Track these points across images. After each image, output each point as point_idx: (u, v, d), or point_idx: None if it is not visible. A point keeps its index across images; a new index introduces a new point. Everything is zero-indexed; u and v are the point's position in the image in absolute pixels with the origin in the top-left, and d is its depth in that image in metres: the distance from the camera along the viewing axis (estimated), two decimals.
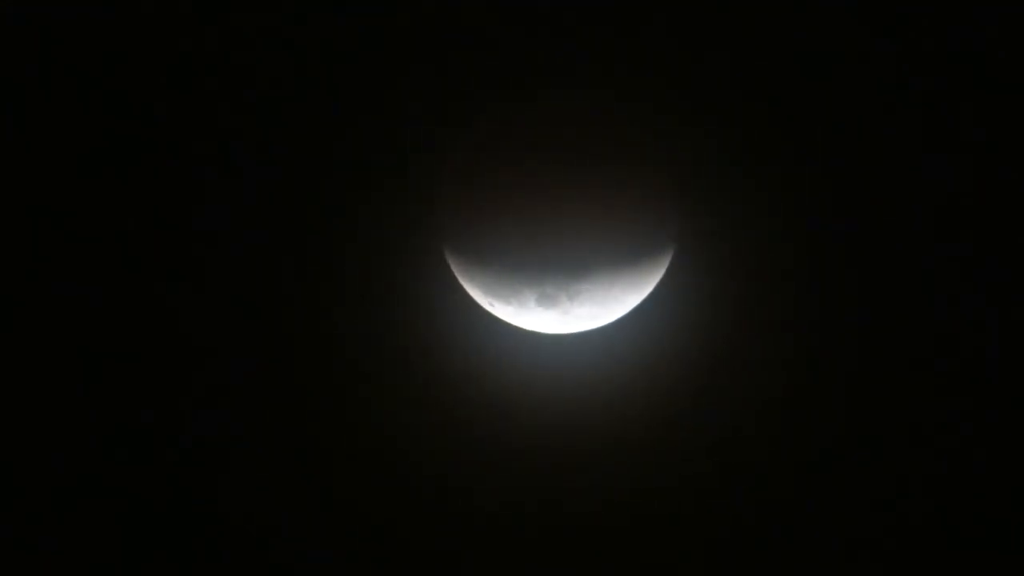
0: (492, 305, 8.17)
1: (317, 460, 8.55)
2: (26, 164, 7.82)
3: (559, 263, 7.58)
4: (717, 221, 8.35)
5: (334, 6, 7.86)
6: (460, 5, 7.87)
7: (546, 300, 7.83)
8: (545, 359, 8.52)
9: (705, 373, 8.61)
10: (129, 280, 8.06)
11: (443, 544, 8.61)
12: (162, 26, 7.75)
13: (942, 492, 8.40)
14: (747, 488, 8.64)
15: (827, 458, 8.56)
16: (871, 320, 8.44)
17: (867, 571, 8.44)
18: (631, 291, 8.07)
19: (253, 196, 8.12)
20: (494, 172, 7.60)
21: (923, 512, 8.40)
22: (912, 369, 8.38)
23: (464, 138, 7.99)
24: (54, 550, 8.04)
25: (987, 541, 8.25)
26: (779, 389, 8.62)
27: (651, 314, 8.37)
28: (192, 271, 8.16)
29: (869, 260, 8.36)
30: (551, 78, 8.00)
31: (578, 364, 8.54)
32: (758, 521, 8.60)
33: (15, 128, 7.70)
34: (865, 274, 8.39)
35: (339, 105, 8.09)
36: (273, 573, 8.44)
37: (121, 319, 8.09)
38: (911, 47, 7.96)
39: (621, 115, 7.88)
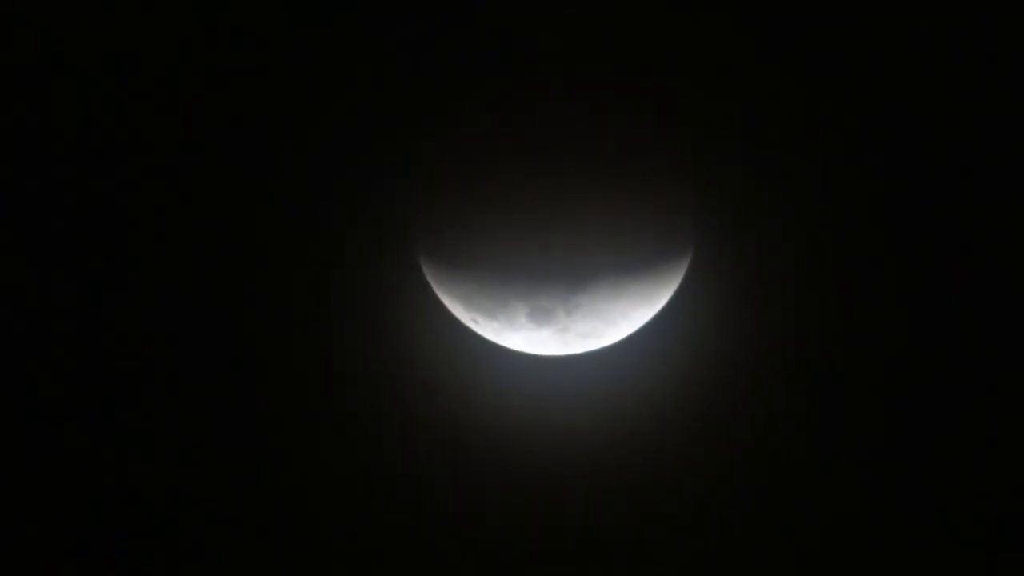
0: (476, 321, 7.92)
1: (281, 506, 8.51)
2: (24, 164, 8.07)
3: (555, 270, 7.37)
4: (742, 221, 8.13)
5: (316, 7, 7.99)
6: None
7: (540, 315, 7.64)
8: (538, 385, 8.32)
9: (728, 403, 8.36)
10: (110, 280, 8.27)
11: None
12: (129, 31, 7.97)
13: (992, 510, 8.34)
14: (773, 539, 8.46)
15: (863, 507, 8.42)
16: (923, 339, 8.27)
17: None
18: (640, 304, 7.83)
19: (219, 193, 8.23)
20: (477, 160, 7.44)
21: (973, 535, 8.34)
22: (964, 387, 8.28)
23: (443, 122, 7.87)
24: (49, 550, 8.37)
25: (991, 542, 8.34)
26: (816, 423, 8.36)
27: (664, 332, 8.17)
28: (143, 286, 8.27)
29: (917, 266, 8.23)
30: (552, 64, 7.94)
31: (577, 391, 8.35)
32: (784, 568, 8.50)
33: (15, 128, 7.99)
34: (915, 282, 8.25)
35: (306, 96, 8.12)
36: None
37: (100, 319, 8.30)
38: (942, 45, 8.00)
39: (631, 99, 7.77)
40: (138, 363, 8.28)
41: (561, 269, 7.34)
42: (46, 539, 8.30)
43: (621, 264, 7.45)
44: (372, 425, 8.45)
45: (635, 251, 7.45)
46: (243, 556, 8.44)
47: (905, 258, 8.17)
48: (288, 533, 8.45)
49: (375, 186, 8.10)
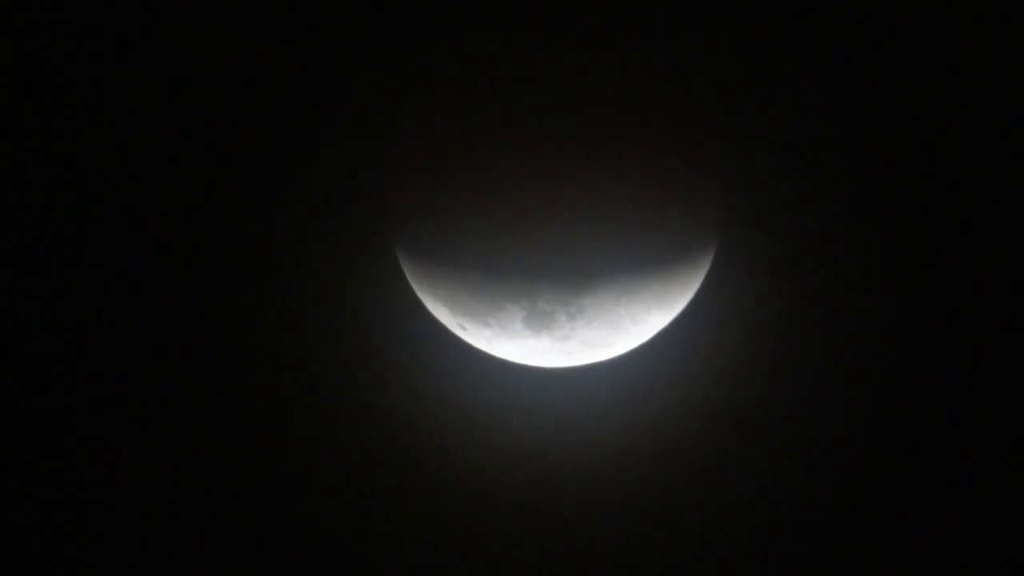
0: (464, 328, 7.72)
1: (257, 514, 8.54)
2: (24, 163, 8.28)
3: (556, 269, 7.09)
4: (772, 215, 8.00)
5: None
6: None
7: (538, 320, 7.39)
8: (536, 401, 8.27)
9: (755, 422, 8.26)
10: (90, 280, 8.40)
11: None
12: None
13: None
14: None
15: (904, 536, 8.26)
16: (969, 339, 8.12)
17: None
18: (655, 309, 7.60)
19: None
20: (466, 141, 7.04)
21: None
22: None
23: (425, 95, 7.48)
24: (49, 550, 8.65)
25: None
26: (853, 442, 8.23)
27: (682, 341, 8.06)
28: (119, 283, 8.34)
29: (963, 267, 8.07)
30: (556, 35, 7.58)
31: (580, 409, 8.28)
32: None
33: (15, 128, 8.25)
34: (961, 279, 8.10)
35: (279, 84, 8.08)
36: None
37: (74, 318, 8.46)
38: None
39: (648, 73, 7.41)
40: (109, 360, 8.35)
41: (563, 267, 7.05)
42: (46, 539, 8.54)
43: (633, 262, 7.16)
44: (348, 444, 8.43)
45: (650, 247, 7.13)
46: (226, 556, 8.52)
47: (950, 258, 8.07)
48: (266, 541, 8.49)
49: (344, 166, 8.03)
